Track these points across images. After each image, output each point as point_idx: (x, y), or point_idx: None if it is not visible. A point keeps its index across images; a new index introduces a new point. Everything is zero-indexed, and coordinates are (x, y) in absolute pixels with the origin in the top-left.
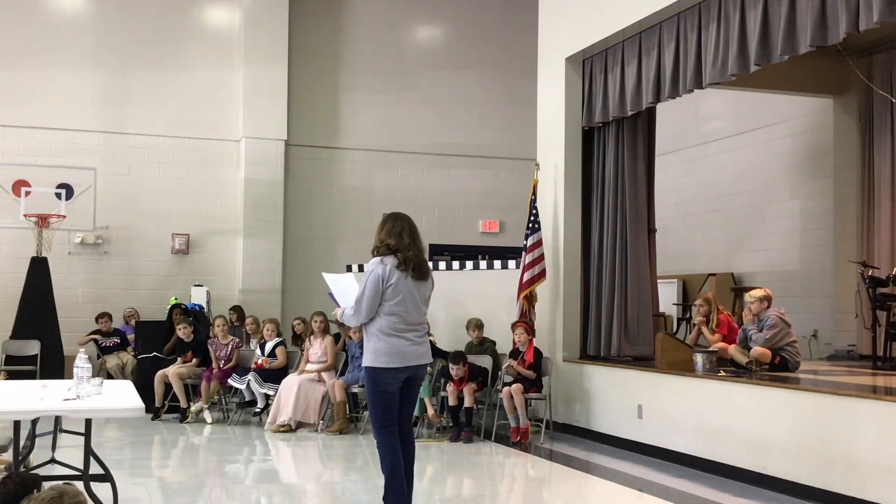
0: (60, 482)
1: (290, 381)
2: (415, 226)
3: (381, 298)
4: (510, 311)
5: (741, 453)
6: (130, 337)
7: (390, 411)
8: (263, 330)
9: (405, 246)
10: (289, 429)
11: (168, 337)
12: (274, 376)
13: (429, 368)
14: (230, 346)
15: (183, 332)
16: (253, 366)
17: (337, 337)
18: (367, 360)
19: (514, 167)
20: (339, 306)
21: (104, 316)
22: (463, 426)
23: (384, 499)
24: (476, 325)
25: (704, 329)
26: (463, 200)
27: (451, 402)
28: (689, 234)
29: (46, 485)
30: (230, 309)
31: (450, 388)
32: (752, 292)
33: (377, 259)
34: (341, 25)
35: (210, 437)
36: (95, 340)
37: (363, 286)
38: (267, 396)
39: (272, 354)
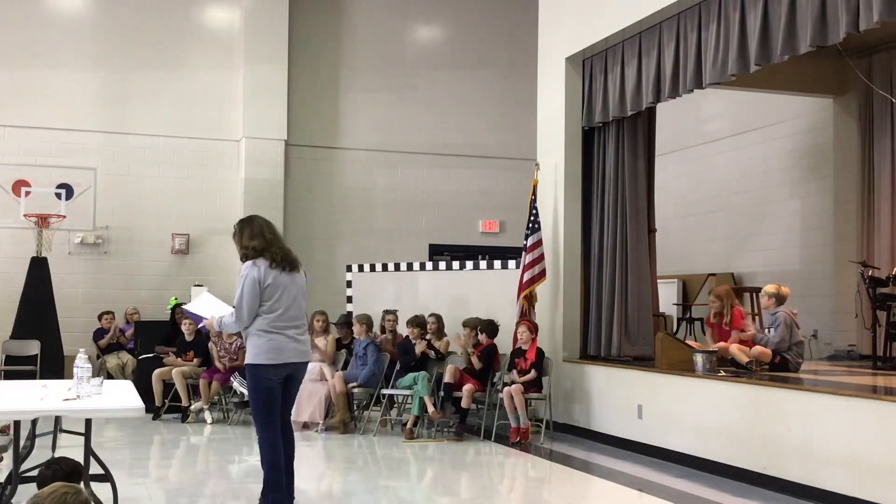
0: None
1: None
2: (271, 223)
3: (260, 299)
4: (511, 311)
5: (741, 453)
6: (129, 334)
7: (273, 408)
8: None
9: (269, 243)
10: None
11: (167, 337)
12: None
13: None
14: (235, 345)
15: (187, 328)
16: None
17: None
18: (249, 358)
19: (514, 167)
20: (204, 318)
21: (108, 314)
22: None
23: (262, 494)
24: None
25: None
26: (463, 200)
27: (465, 403)
28: (689, 234)
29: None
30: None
31: (466, 388)
32: (766, 287)
33: (249, 263)
34: (341, 25)
35: (210, 437)
36: (98, 338)
37: (240, 292)
38: None
39: None
